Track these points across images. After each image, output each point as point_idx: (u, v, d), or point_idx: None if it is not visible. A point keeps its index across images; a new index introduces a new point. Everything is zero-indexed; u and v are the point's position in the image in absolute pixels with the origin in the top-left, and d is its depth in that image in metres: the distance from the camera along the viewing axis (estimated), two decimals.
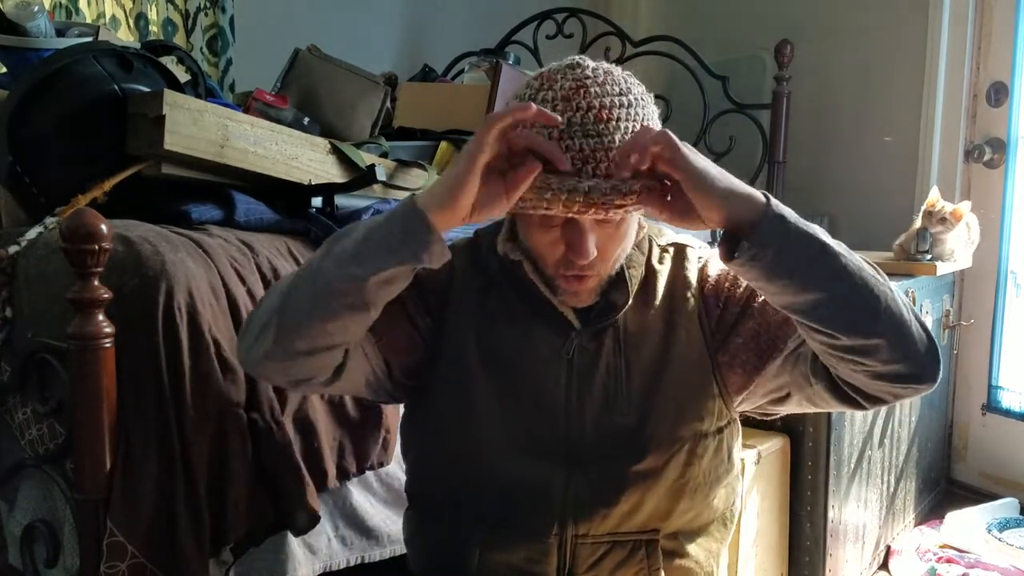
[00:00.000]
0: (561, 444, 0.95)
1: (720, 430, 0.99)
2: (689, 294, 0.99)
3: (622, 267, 0.96)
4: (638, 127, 0.85)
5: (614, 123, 0.84)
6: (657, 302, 0.98)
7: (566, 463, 0.95)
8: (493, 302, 0.99)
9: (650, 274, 1.00)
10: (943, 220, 1.85)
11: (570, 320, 0.96)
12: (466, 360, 0.97)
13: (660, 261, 1.01)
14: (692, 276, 1.00)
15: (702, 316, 0.98)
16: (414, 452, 1.06)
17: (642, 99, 0.88)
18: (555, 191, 0.81)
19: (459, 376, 0.98)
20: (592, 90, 0.85)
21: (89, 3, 2.37)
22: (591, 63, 0.88)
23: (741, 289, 0.98)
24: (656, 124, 0.88)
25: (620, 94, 0.86)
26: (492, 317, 0.98)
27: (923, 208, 1.89)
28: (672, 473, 0.96)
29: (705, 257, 1.03)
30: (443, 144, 1.80)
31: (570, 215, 0.84)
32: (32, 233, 1.15)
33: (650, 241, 1.02)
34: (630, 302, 0.97)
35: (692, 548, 1.00)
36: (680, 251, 1.03)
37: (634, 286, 0.97)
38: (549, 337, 0.96)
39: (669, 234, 1.04)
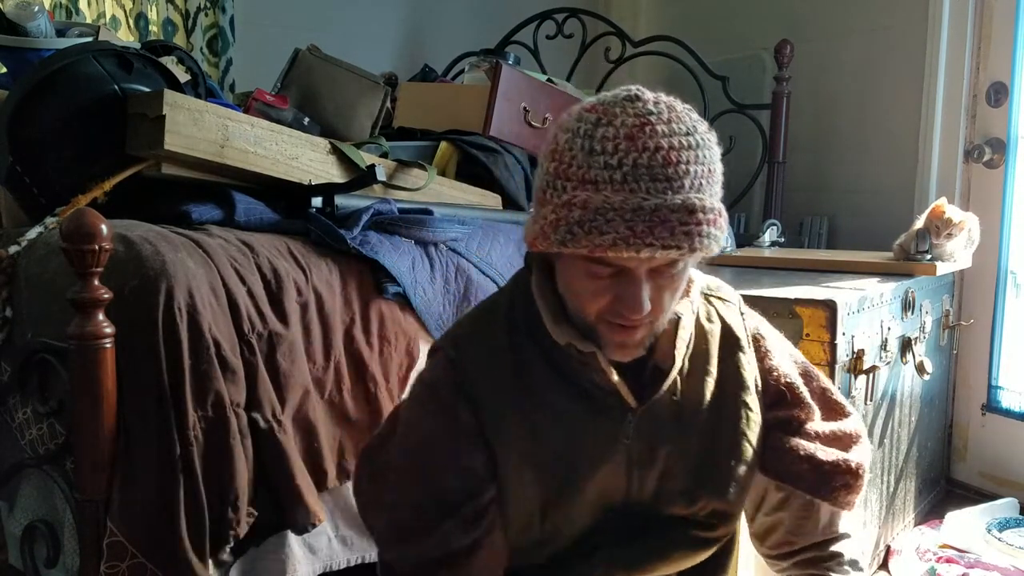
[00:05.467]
0: (620, 517, 0.92)
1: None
2: (748, 360, 0.95)
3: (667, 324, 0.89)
4: (706, 172, 0.79)
5: (683, 167, 0.77)
6: (713, 368, 0.93)
7: (623, 527, 0.92)
8: (531, 395, 0.89)
9: (701, 335, 0.94)
10: (949, 235, 1.84)
11: (626, 400, 0.88)
12: (510, 462, 0.88)
13: (709, 319, 0.95)
14: (744, 340, 0.96)
15: (759, 393, 0.95)
16: None
17: (708, 139, 0.81)
18: (614, 214, 0.75)
19: (505, 481, 0.89)
20: (658, 128, 0.78)
21: (89, 3, 2.37)
22: (650, 95, 0.81)
23: (798, 411, 0.96)
24: (719, 166, 0.82)
25: (687, 133, 0.79)
26: (534, 412, 0.89)
27: (928, 212, 1.88)
28: (721, 533, 0.97)
29: (747, 314, 0.99)
30: (443, 144, 1.80)
31: (627, 255, 0.76)
32: (32, 233, 1.15)
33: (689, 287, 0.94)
34: (686, 367, 0.91)
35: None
36: (727, 308, 0.98)
37: (685, 350, 0.91)
38: (604, 424, 0.89)
39: (698, 278, 0.98)
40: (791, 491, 0.97)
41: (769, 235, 2.34)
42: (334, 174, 1.46)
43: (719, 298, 0.99)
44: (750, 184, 2.68)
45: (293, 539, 1.17)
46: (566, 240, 0.78)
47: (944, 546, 1.83)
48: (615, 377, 0.87)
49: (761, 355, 0.97)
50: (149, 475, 1.00)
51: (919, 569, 1.76)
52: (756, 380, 0.95)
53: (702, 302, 0.96)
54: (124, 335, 0.99)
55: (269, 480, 1.10)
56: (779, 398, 0.96)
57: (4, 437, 1.15)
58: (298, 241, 1.28)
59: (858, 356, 1.54)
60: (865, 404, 1.63)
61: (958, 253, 1.91)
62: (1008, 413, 2.25)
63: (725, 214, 0.81)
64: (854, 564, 1.01)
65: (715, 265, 2.03)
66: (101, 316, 0.97)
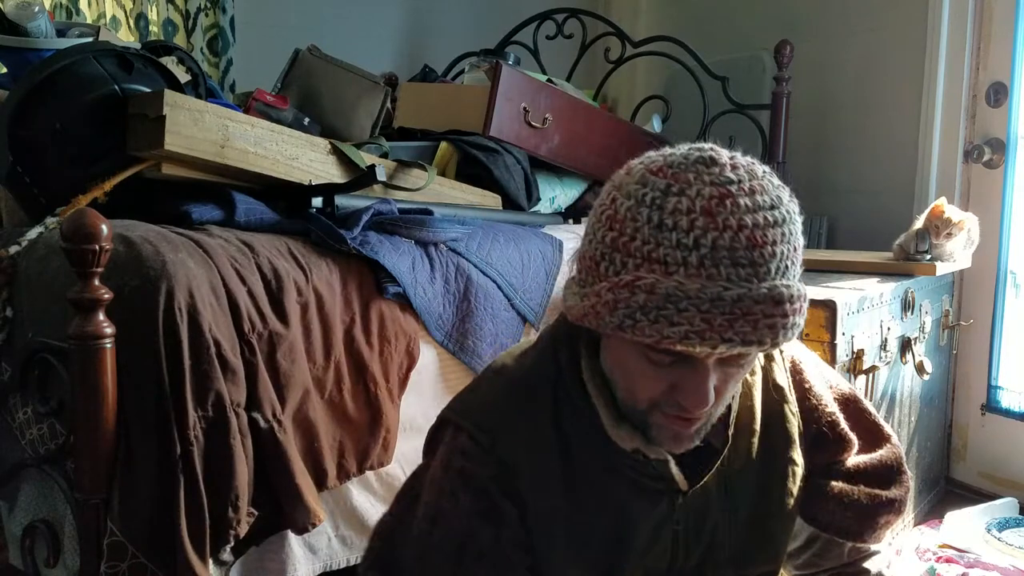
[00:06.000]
0: None
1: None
2: (788, 413, 0.88)
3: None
4: (792, 251, 0.69)
5: (769, 248, 0.67)
6: (756, 425, 0.86)
7: None
8: (578, 480, 0.80)
9: (746, 390, 0.86)
10: (949, 234, 1.84)
11: (677, 483, 0.81)
12: (552, 550, 0.80)
13: (752, 372, 0.88)
14: (783, 384, 0.89)
15: (802, 443, 0.89)
16: None
17: (793, 210, 0.71)
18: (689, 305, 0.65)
19: (547, 569, 0.81)
20: (740, 202, 0.67)
21: (89, 3, 2.37)
22: (726, 156, 0.70)
23: (839, 449, 0.91)
24: (802, 240, 0.72)
25: (772, 207, 0.68)
26: (577, 496, 0.80)
27: (927, 213, 1.88)
28: None
29: (792, 371, 0.91)
30: (443, 144, 1.80)
31: (700, 349, 0.67)
32: (33, 233, 1.15)
33: None
34: (730, 441, 0.84)
35: None
36: (767, 370, 0.90)
37: (734, 422, 0.84)
38: (653, 508, 0.81)
39: None
40: (831, 538, 0.93)
41: None
42: (334, 174, 1.46)
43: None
44: None
45: (293, 539, 1.17)
46: (626, 327, 0.68)
47: (944, 546, 1.83)
48: (674, 469, 0.80)
49: (802, 393, 0.90)
50: (149, 475, 1.00)
51: (919, 569, 1.76)
52: (800, 427, 0.89)
53: None
54: (124, 335, 0.99)
55: (269, 480, 1.10)
56: (820, 438, 0.90)
57: (4, 437, 1.15)
58: (298, 241, 1.28)
59: (858, 356, 1.54)
60: None
61: (958, 253, 1.91)
62: (1008, 413, 2.25)
63: (808, 298, 0.71)
64: None
65: None
66: (101, 316, 0.97)
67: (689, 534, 0.84)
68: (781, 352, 0.91)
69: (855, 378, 1.55)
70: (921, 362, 1.74)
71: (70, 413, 1.01)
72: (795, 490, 0.89)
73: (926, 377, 1.79)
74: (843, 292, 1.57)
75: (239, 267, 1.15)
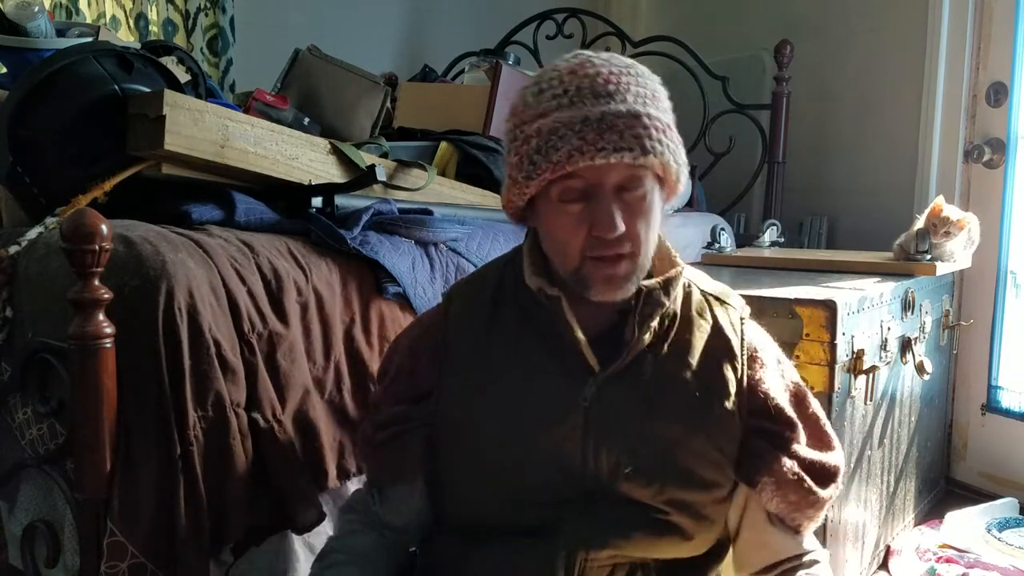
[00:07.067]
0: (577, 492, 0.92)
1: (728, 496, 0.97)
2: (734, 366, 0.95)
3: (635, 303, 0.91)
4: (649, 95, 0.86)
5: (624, 85, 0.84)
6: (694, 361, 0.94)
7: (580, 500, 0.92)
8: (500, 346, 0.95)
9: (687, 325, 0.95)
10: (948, 233, 1.84)
11: (590, 364, 0.91)
12: (471, 413, 0.94)
13: (701, 314, 0.96)
14: (736, 345, 0.96)
15: (742, 403, 0.94)
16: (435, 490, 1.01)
17: (649, 74, 0.88)
18: (565, 130, 0.82)
19: (465, 429, 0.94)
20: (596, 62, 0.86)
21: (89, 3, 2.38)
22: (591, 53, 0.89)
23: (783, 428, 0.96)
24: (667, 103, 0.89)
25: (627, 67, 0.87)
26: (499, 363, 0.94)
27: (927, 212, 1.88)
28: (679, 524, 0.93)
29: (748, 324, 0.99)
30: (443, 144, 1.80)
31: (584, 163, 0.82)
32: (32, 233, 1.15)
33: (689, 287, 0.97)
34: (664, 351, 0.93)
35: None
36: (725, 311, 0.98)
37: (651, 322, 0.92)
38: (565, 382, 0.92)
39: (705, 283, 1.01)
40: (754, 498, 0.96)
41: (769, 235, 2.34)
42: (334, 174, 1.46)
43: (720, 300, 0.99)
44: (750, 184, 2.68)
45: (293, 539, 1.17)
46: (530, 172, 0.85)
47: (944, 546, 1.83)
48: (579, 334, 0.90)
49: (752, 371, 0.96)
50: (149, 475, 1.00)
51: (919, 569, 1.77)
52: (742, 390, 0.94)
53: (698, 297, 0.97)
54: (124, 335, 0.99)
55: (269, 480, 1.10)
56: (764, 413, 0.95)
57: (4, 437, 1.15)
58: (298, 241, 1.28)
59: (858, 356, 1.54)
60: (865, 404, 1.63)
61: (958, 253, 1.91)
62: (1008, 413, 2.25)
63: (678, 135, 0.87)
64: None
65: (715, 265, 2.04)
66: (101, 316, 0.97)
67: (601, 424, 0.90)
68: (742, 324, 0.98)
69: (855, 378, 1.55)
70: (921, 362, 1.74)
71: (70, 413, 1.01)
72: (722, 438, 0.93)
73: (926, 377, 1.79)
74: (843, 292, 1.57)
75: (239, 267, 1.15)
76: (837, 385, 1.50)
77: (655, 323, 0.92)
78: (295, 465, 1.12)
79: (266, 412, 1.10)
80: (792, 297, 1.52)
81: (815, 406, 1.00)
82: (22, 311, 1.13)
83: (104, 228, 0.94)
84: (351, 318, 1.28)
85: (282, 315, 1.16)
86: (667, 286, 0.93)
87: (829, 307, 1.48)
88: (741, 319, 0.98)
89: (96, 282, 0.96)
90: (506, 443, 0.92)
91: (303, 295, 1.20)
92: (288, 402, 1.15)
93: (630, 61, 0.88)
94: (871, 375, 1.59)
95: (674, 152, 0.86)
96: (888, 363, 1.69)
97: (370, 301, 1.30)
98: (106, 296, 0.97)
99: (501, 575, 0.93)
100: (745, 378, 0.95)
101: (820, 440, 0.98)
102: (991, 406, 2.28)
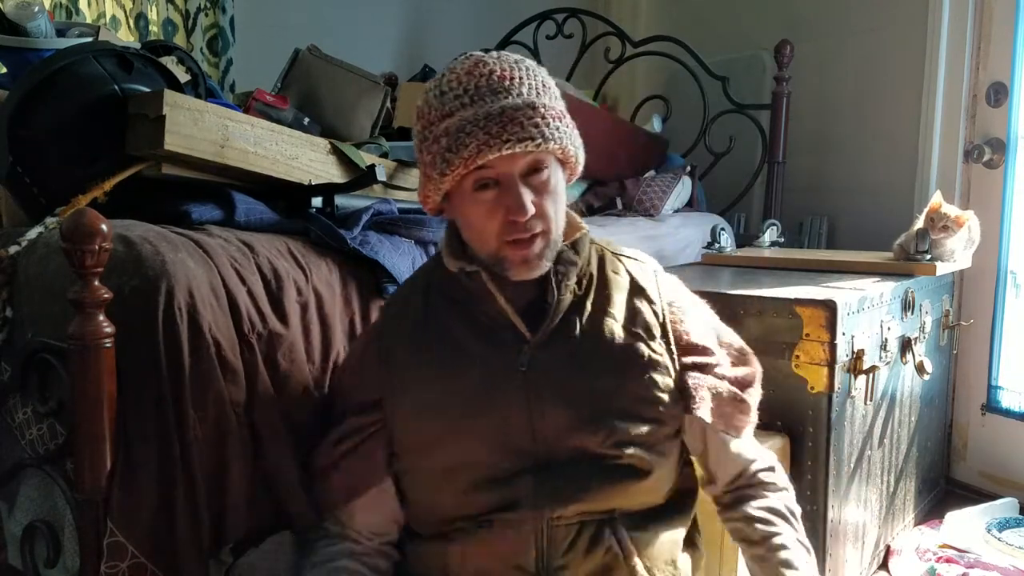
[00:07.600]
0: (529, 461, 0.97)
1: (677, 432, 1.05)
2: (655, 311, 1.05)
3: (553, 271, 0.99)
4: (541, 85, 0.95)
5: (518, 80, 0.93)
6: (617, 312, 1.02)
7: (534, 467, 0.97)
8: (435, 340, 1.02)
9: (604, 281, 1.05)
10: (945, 228, 1.84)
11: (521, 331, 0.99)
12: (419, 408, 1.01)
13: (615, 271, 1.06)
14: (654, 294, 1.06)
15: (669, 344, 1.04)
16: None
17: (537, 67, 0.97)
18: (471, 127, 0.89)
19: (413, 425, 1.01)
20: (489, 61, 0.94)
21: (89, 3, 2.38)
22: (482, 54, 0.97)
23: (709, 358, 1.06)
24: (557, 92, 0.98)
25: (517, 62, 0.95)
26: (437, 355, 1.01)
27: (926, 211, 1.88)
28: (632, 464, 0.99)
29: (662, 275, 1.10)
30: None
31: (493, 156, 0.89)
32: (32, 233, 1.15)
33: (602, 252, 1.07)
34: (588, 308, 1.01)
35: (653, 527, 1.03)
36: (638, 267, 1.09)
37: (566, 283, 1.00)
38: (501, 354, 0.99)
39: (616, 247, 1.11)
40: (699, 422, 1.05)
41: (769, 235, 2.34)
42: (334, 174, 1.46)
43: (631, 258, 1.10)
44: (750, 184, 2.68)
45: (293, 539, 1.17)
46: (444, 169, 0.92)
47: (944, 546, 1.84)
48: (503, 302, 0.98)
49: (673, 314, 1.06)
50: (149, 475, 1.00)
51: (919, 569, 1.77)
52: (666, 330, 1.04)
53: (610, 258, 1.07)
54: (124, 335, 0.99)
55: (269, 480, 1.10)
56: (690, 348, 1.05)
57: (4, 437, 1.15)
58: (298, 241, 1.28)
59: (858, 356, 1.54)
60: (865, 404, 1.63)
61: (958, 253, 1.91)
62: (1008, 413, 2.25)
63: (570, 119, 0.96)
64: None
65: (715, 265, 2.04)
66: (101, 316, 0.97)
67: (540, 385, 0.97)
68: (656, 277, 1.08)
69: (855, 378, 1.56)
70: (921, 362, 1.74)
71: (70, 413, 1.01)
72: (654, 374, 1.01)
73: (926, 377, 1.79)
74: (843, 292, 1.57)
75: (239, 267, 1.14)
76: (837, 385, 1.50)
77: (572, 282, 1.01)
78: (295, 465, 1.12)
79: (266, 412, 1.10)
80: (792, 297, 1.53)
81: (730, 334, 1.13)
82: (22, 311, 1.13)
83: (104, 228, 0.94)
84: (351, 318, 1.28)
85: (282, 315, 1.16)
86: (575, 246, 1.03)
87: (829, 307, 1.48)
88: (655, 271, 1.09)
89: (96, 282, 0.96)
90: (453, 430, 0.98)
91: (303, 295, 1.20)
92: (288, 402, 1.15)
93: (519, 57, 0.97)
94: (871, 375, 1.59)
95: (570, 137, 0.95)
96: (888, 363, 1.69)
97: (370, 301, 1.30)
98: (106, 296, 0.97)
99: (480, 561, 0.98)
100: (668, 322, 1.05)
101: (738, 359, 1.11)
102: (991, 406, 2.29)
